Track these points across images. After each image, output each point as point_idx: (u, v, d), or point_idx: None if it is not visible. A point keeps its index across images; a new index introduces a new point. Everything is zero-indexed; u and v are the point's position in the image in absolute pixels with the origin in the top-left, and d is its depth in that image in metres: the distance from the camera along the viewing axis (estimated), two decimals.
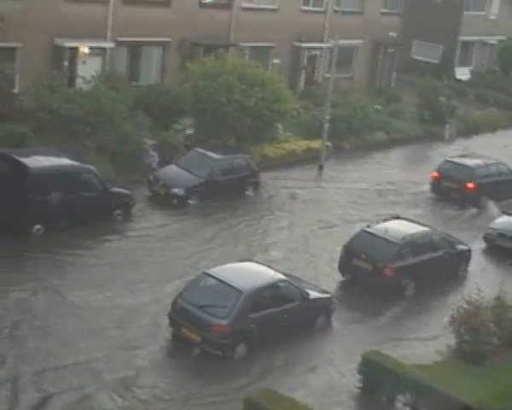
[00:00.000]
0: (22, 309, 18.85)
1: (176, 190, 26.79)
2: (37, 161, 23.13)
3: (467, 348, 19.61)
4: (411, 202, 31.36)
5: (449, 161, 32.80)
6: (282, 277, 19.91)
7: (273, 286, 19.49)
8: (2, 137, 26.34)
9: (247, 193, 28.92)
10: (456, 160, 32.99)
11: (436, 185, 32.14)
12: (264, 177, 30.31)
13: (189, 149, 29.62)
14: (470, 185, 31.31)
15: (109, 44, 33.20)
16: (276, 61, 37.84)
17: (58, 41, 31.45)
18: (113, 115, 27.58)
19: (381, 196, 31.59)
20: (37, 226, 22.57)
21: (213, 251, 23.87)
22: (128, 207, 25.20)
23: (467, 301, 20.27)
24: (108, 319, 19.09)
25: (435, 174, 32.28)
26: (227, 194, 27.89)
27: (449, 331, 20.33)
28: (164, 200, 26.79)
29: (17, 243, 21.96)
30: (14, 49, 29.90)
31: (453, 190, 31.49)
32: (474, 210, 31.08)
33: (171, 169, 27.83)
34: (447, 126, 42.24)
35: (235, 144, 31.14)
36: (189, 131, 31.80)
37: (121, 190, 25.18)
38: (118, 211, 24.70)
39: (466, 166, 32.11)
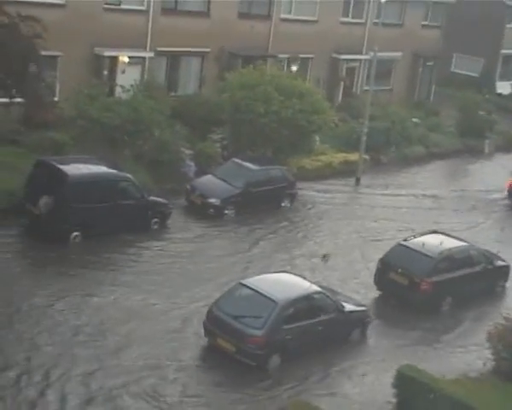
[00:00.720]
0: (59, 315, 19.05)
1: (212, 200, 26.86)
2: (76, 169, 23.36)
3: (504, 365, 19.28)
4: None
5: None
6: (318, 288, 19.80)
7: (308, 298, 19.39)
8: (43, 145, 26.67)
9: (283, 204, 28.88)
10: None
11: None
12: (301, 188, 30.26)
13: (226, 160, 29.68)
14: None
15: (148, 54, 33.46)
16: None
17: (98, 50, 31.80)
18: (152, 124, 27.75)
19: (423, 207, 31.70)
20: (76, 233, 22.77)
21: (250, 260, 23.88)
22: (165, 216, 25.31)
23: (505, 317, 19.97)
24: (144, 324, 19.21)
25: None
26: (263, 205, 27.89)
27: (486, 348, 20.04)
28: (200, 209, 26.87)
29: (55, 249, 22.16)
30: (55, 57, 30.27)
31: None
32: None
33: (208, 179, 27.91)
34: (487, 141, 41.81)
35: (272, 155, 31.13)
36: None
37: (158, 198, 25.31)
38: (155, 219, 24.83)
39: None
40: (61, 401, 15.89)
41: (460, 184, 35.94)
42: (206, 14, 35.45)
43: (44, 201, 22.28)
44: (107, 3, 32.03)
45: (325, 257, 24.65)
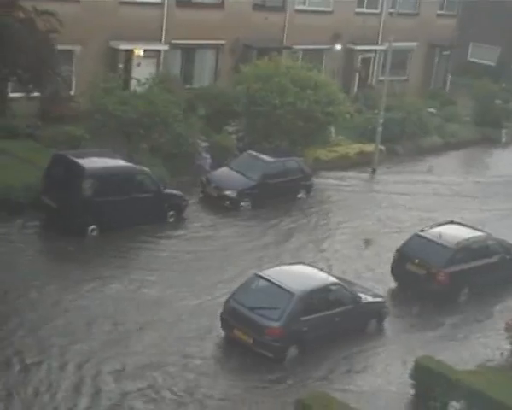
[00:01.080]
0: (76, 307, 19.19)
1: (228, 193, 26.89)
2: (93, 162, 23.46)
3: None
4: None
5: None
6: (335, 280, 19.82)
7: (325, 289, 19.42)
8: (60, 139, 26.80)
9: (299, 196, 28.87)
10: None
11: None
12: (317, 180, 30.24)
13: (242, 152, 29.69)
14: None
15: (163, 47, 33.52)
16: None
17: (113, 43, 31.89)
18: (167, 117, 27.80)
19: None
20: (93, 227, 22.88)
21: (267, 252, 23.91)
22: (181, 209, 25.37)
23: None
24: (161, 316, 19.34)
25: None
26: (279, 197, 27.87)
27: (504, 338, 19.98)
28: (216, 202, 26.91)
29: (73, 243, 22.26)
30: (71, 51, 30.41)
31: None
32: None
33: (224, 171, 27.94)
34: (504, 130, 41.57)
35: (288, 147, 31.11)
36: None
37: (174, 191, 25.38)
38: (171, 212, 24.90)
39: None
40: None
41: (480, 173, 35.80)
42: (220, 6, 35.44)
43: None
44: None
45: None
